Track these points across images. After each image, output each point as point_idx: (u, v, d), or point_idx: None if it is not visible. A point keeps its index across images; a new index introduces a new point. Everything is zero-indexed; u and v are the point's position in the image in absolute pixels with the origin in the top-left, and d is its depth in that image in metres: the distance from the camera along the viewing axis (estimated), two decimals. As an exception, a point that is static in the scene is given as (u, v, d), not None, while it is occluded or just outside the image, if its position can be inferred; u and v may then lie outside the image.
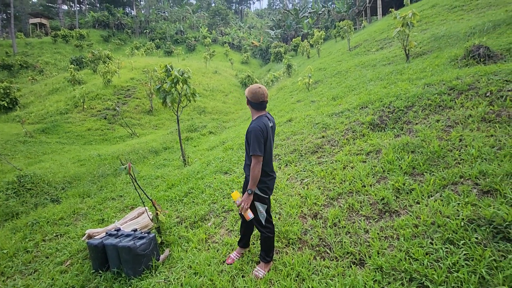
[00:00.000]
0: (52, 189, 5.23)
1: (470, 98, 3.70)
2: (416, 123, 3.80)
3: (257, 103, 2.21)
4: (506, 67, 4.06)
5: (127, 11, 51.05)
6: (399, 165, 3.11)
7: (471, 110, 3.45)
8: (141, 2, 54.09)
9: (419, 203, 2.55)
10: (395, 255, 2.09)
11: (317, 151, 4.33)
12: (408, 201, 2.63)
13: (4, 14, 40.38)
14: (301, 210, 3.11)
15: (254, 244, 2.83)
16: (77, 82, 16.84)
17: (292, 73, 16.29)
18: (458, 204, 2.30)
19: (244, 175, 2.48)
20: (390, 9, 14.69)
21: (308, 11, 39.29)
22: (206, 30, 44.14)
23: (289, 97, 9.95)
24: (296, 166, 4.17)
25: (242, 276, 2.39)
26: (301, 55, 23.37)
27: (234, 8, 70.52)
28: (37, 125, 11.72)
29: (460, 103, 3.70)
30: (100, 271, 2.74)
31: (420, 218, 2.34)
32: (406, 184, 2.82)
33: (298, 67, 17.74)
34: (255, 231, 2.93)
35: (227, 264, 2.60)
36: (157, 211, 3.13)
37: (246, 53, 36.12)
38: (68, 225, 3.99)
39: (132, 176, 2.73)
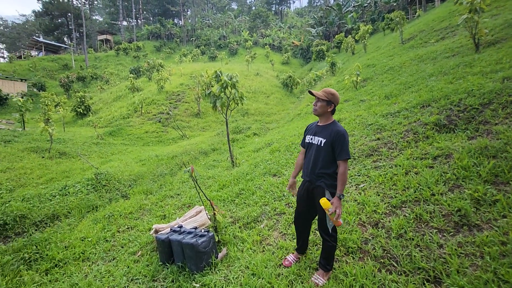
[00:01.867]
0: (122, 186, 5.91)
1: None
2: (496, 123, 3.31)
3: (335, 106, 2.28)
4: None
5: (176, 22, 55.12)
6: (477, 172, 2.75)
7: None
8: (188, 12, 57.79)
9: (506, 217, 2.22)
10: (480, 276, 1.85)
11: (372, 154, 4.08)
12: (492, 214, 2.30)
13: (78, 33, 47.01)
14: (359, 218, 2.96)
15: (310, 250, 2.78)
16: (136, 89, 18.73)
17: (336, 71, 15.65)
18: None
19: (307, 180, 2.35)
20: (452, -7, 13.11)
21: (353, 4, 37.25)
22: (247, 33, 45.11)
23: (336, 97, 9.58)
24: (349, 169, 3.98)
25: (301, 282, 2.37)
26: (345, 51, 22.29)
27: (274, 9, 70.63)
28: (105, 129, 13.37)
29: (556, 99, 3.12)
30: (167, 264, 2.99)
31: (509, 235, 2.03)
32: (487, 194, 2.47)
33: (342, 65, 16.96)
34: (312, 236, 2.88)
35: (285, 266, 2.60)
36: (215, 211, 3.30)
37: (287, 53, 35.87)
38: (136, 219, 4.44)
39: (194, 179, 2.92)
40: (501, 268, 1.84)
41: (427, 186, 2.90)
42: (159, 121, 14.15)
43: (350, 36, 23.20)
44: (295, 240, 2.86)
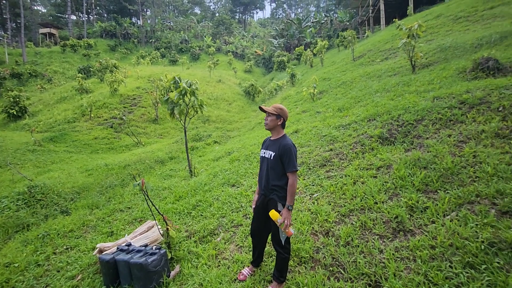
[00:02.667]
0: (62, 200, 5.26)
1: (482, 112, 3.68)
2: (427, 138, 3.78)
3: (286, 121, 2.38)
4: (517, 81, 4.05)
5: (134, 21, 52.19)
6: (412, 182, 3.08)
7: (484, 125, 3.42)
8: (147, 12, 55.32)
9: (434, 223, 2.51)
10: (413, 279, 2.05)
11: (325, 165, 4.31)
12: (423, 220, 2.59)
13: (14, 24, 41.49)
14: (312, 227, 3.08)
15: (265, 262, 2.80)
16: (85, 91, 17.11)
17: (295, 82, 16.39)
18: (476, 225, 2.26)
19: (262, 194, 2.42)
20: (394, 19, 14.84)
21: (311, 20, 39.78)
22: (210, 39, 44.82)
23: (294, 107, 9.99)
24: (304, 179, 4.14)
25: (255, 297, 2.35)
26: (304, 64, 23.55)
27: (237, 17, 71.67)
28: (45, 134, 11.88)
29: (471, 117, 3.68)
30: (111, 287, 2.72)
31: (437, 239, 2.30)
32: (419, 202, 2.78)
33: (301, 76, 17.85)
34: (267, 248, 2.90)
35: (239, 280, 2.57)
36: (168, 227, 3.12)
37: (250, 61, 36.49)
38: (78, 238, 3.99)
39: (145, 193, 2.74)
40: (431, 271, 2.07)
41: (371, 195, 3.15)
42: (111, 126, 13.09)
43: (309, 49, 24.61)
44: (251, 253, 2.85)
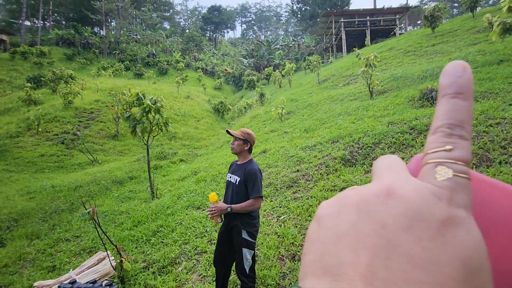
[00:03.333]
0: (-7, 230, 4.50)
1: (429, 138, 4.07)
2: (384, 160, 4.04)
3: (253, 146, 2.37)
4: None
5: (96, 31, 49.84)
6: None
7: (431, 150, 3.77)
8: (112, 23, 53.45)
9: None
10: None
11: (292, 186, 4.35)
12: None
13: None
14: (279, 252, 3.01)
15: (230, 293, 2.63)
16: (33, 102, 15.50)
17: (265, 102, 16.80)
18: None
19: (226, 219, 2.32)
20: (354, 48, 16.28)
21: (280, 43, 41.98)
22: (180, 55, 44.48)
23: (262, 127, 10.14)
24: (272, 201, 4.11)
25: (218, 336, 2.17)
26: (273, 84, 24.41)
27: (208, 35, 72.75)
28: (-20, 149, 10.36)
29: (420, 142, 4.04)
30: None
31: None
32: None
33: (270, 96, 18.39)
34: (232, 277, 2.75)
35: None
36: (122, 258, 2.81)
37: (220, 79, 36.78)
38: (12, 274, 3.40)
39: (96, 222, 2.45)
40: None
41: (336, 217, 3.21)
42: (62, 142, 11.88)
43: (278, 70, 25.69)
44: (215, 283, 2.67)
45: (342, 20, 24.64)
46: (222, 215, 2.25)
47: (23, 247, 4.00)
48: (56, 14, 51.02)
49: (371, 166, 4.07)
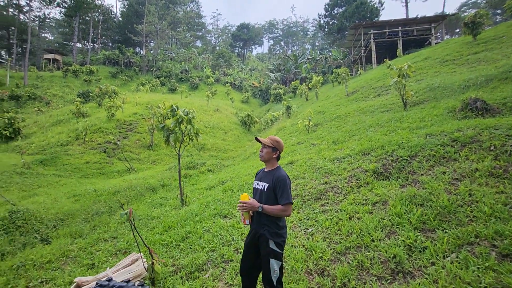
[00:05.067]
0: (43, 227, 4.96)
1: (474, 151, 3.74)
2: (422, 174, 3.78)
3: (281, 153, 2.39)
4: (505, 121, 4.20)
5: (137, 51, 54.49)
6: (408, 219, 3.01)
7: (477, 163, 3.46)
8: (151, 43, 58.07)
9: (434, 264, 2.40)
10: (416, 328, 1.89)
11: (320, 198, 4.23)
12: (422, 261, 2.48)
13: (20, 49, 42.84)
14: (307, 265, 2.91)
15: (256, 304, 2.58)
16: (82, 115, 17.18)
17: (291, 114, 16.79)
18: (478, 268, 2.16)
19: (253, 229, 2.28)
20: (385, 59, 15.79)
21: (307, 57, 42.15)
22: (210, 70, 46.65)
23: (289, 138, 10.10)
24: (299, 213, 4.03)
25: None
26: (300, 97, 24.38)
27: (237, 51, 75.56)
28: (36, 156, 11.63)
29: (464, 155, 3.73)
30: (84, 332, 2.44)
31: (438, 283, 2.18)
32: (418, 241, 2.69)
33: (297, 109, 18.35)
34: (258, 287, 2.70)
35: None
36: (154, 260, 2.92)
37: (247, 93, 37.67)
38: (55, 270, 3.68)
39: (132, 223, 2.60)
40: (433, 318, 1.92)
41: (367, 231, 3.05)
42: (105, 151, 12.93)
43: (304, 83, 25.69)
44: (241, 293, 2.64)
45: (371, 31, 24.15)
46: (250, 219, 2.25)
47: (66, 245, 4.34)
48: (104, 37, 56.80)
49: (407, 180, 3.83)
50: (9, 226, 4.69)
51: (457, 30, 46.36)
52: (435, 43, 22.20)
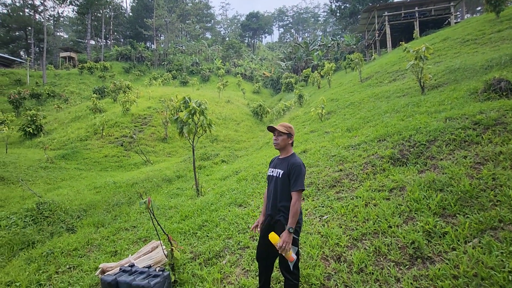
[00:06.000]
0: (68, 217, 5.24)
1: (498, 133, 3.56)
2: (441, 159, 3.65)
3: (293, 139, 2.37)
4: (532, 102, 3.95)
5: (148, 45, 55.01)
6: (427, 205, 2.93)
7: (501, 146, 3.30)
8: (161, 37, 58.37)
9: (455, 250, 2.34)
10: (436, 312, 1.87)
11: (335, 185, 4.19)
12: (443, 246, 2.42)
13: (37, 48, 44.31)
14: (323, 251, 2.93)
15: (273, 288, 2.64)
16: (98, 110, 17.70)
17: (303, 103, 16.54)
18: (502, 253, 2.10)
19: (269, 215, 2.32)
20: (400, 42, 15.12)
21: (318, 44, 40.99)
22: (220, 62, 46.49)
23: (301, 127, 9.99)
24: (313, 200, 4.02)
25: (262, 327, 2.19)
26: (312, 85, 23.90)
27: (246, 41, 74.63)
28: (58, 151, 12.16)
29: (487, 138, 3.56)
30: (111, 312, 2.59)
31: (459, 268, 2.13)
32: (437, 227, 2.63)
33: (309, 97, 18.04)
34: (275, 273, 2.75)
35: (245, 309, 2.41)
36: (173, 247, 3.03)
37: (258, 83, 37.36)
38: (81, 257, 3.90)
39: (151, 211, 2.69)
40: (454, 302, 1.90)
41: (384, 218, 3.01)
42: (121, 145, 13.33)
43: (316, 71, 25.12)
44: (257, 278, 2.71)
45: (386, 13, 23.07)
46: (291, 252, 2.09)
47: (90, 234, 4.57)
48: (115, 33, 57.62)
49: (425, 165, 3.72)
50: (37, 217, 4.99)
51: (479, 8, 43.42)
52: (455, 23, 20.95)
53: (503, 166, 3.02)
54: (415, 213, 2.92)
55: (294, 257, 2.08)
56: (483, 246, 2.24)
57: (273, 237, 2.07)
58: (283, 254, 2.05)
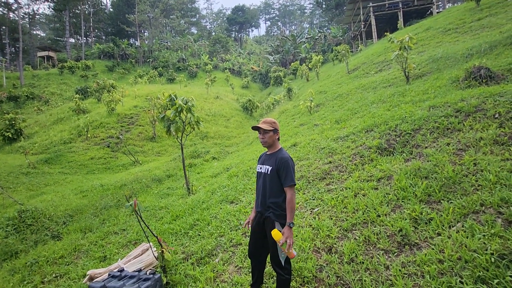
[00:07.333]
0: (53, 224, 5.07)
1: (478, 120, 3.66)
2: (426, 147, 3.73)
3: (279, 133, 2.36)
4: (510, 87, 4.07)
5: (131, 42, 53.41)
6: (414, 192, 3.00)
7: (482, 132, 3.39)
8: (145, 33, 56.80)
9: (440, 235, 2.41)
10: (423, 297, 1.92)
11: (325, 178, 4.23)
12: (428, 232, 2.49)
13: (13, 48, 42.33)
14: (314, 244, 2.95)
15: (266, 283, 2.65)
16: (82, 111, 17.15)
17: (292, 97, 16.56)
18: (484, 236, 2.17)
19: (258, 211, 2.32)
20: (385, 33, 15.27)
21: (305, 36, 40.98)
22: (207, 57, 45.81)
23: (291, 121, 10.01)
24: (304, 194, 4.04)
25: (256, 323, 2.20)
26: (300, 78, 23.94)
27: (233, 36, 73.70)
28: (40, 156, 11.74)
29: (468, 125, 3.66)
30: (102, 319, 2.54)
31: (445, 252, 2.19)
32: (423, 213, 2.69)
33: (298, 90, 18.08)
34: (267, 269, 2.76)
35: (239, 307, 2.41)
36: (163, 249, 2.98)
37: (246, 78, 37.12)
38: (68, 264, 3.80)
39: (138, 214, 2.63)
40: (441, 287, 1.95)
41: (373, 207, 3.06)
42: (108, 146, 12.99)
43: (304, 64, 25.13)
44: (251, 274, 2.71)
45: (370, 4, 23.21)
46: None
47: (77, 240, 4.45)
48: (96, 30, 55.64)
49: (411, 154, 3.79)
50: (20, 225, 4.80)
51: (460, -3, 44.35)
52: (437, 12, 21.33)
53: (483, 152, 3.11)
54: (402, 201, 2.98)
55: (295, 253, 2.09)
56: (466, 230, 2.31)
57: (275, 234, 2.07)
58: (285, 251, 2.05)
